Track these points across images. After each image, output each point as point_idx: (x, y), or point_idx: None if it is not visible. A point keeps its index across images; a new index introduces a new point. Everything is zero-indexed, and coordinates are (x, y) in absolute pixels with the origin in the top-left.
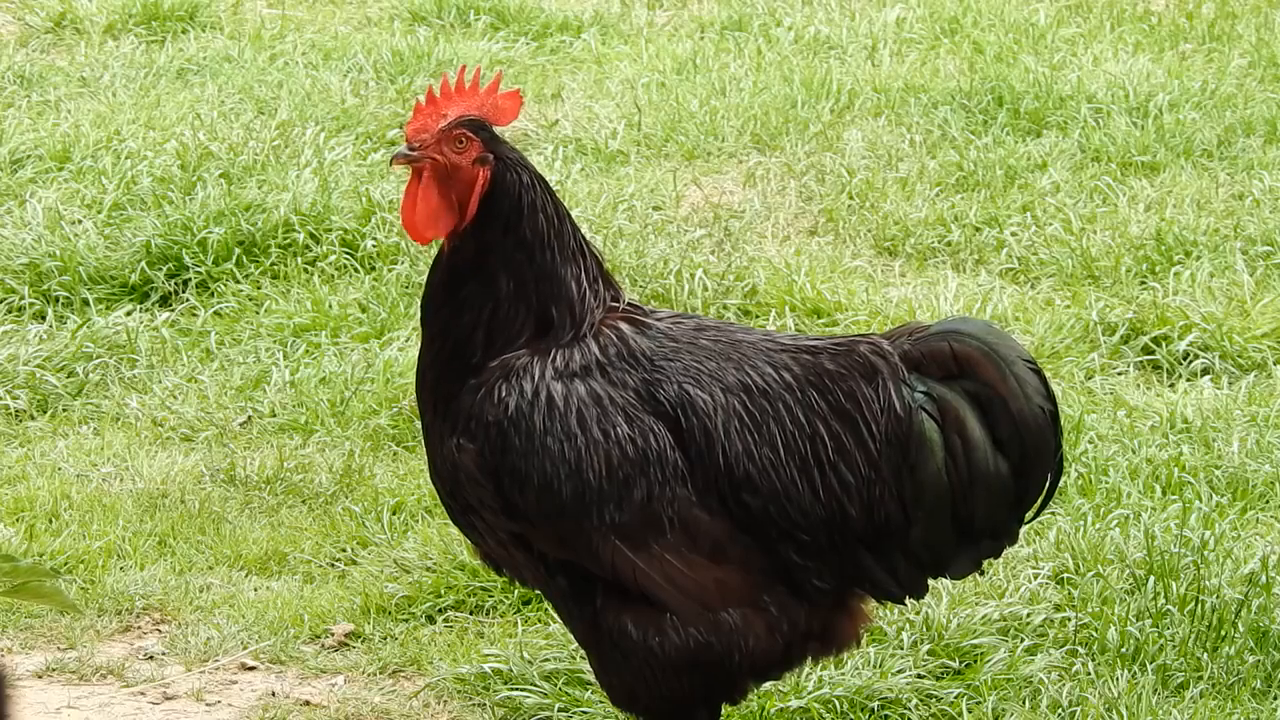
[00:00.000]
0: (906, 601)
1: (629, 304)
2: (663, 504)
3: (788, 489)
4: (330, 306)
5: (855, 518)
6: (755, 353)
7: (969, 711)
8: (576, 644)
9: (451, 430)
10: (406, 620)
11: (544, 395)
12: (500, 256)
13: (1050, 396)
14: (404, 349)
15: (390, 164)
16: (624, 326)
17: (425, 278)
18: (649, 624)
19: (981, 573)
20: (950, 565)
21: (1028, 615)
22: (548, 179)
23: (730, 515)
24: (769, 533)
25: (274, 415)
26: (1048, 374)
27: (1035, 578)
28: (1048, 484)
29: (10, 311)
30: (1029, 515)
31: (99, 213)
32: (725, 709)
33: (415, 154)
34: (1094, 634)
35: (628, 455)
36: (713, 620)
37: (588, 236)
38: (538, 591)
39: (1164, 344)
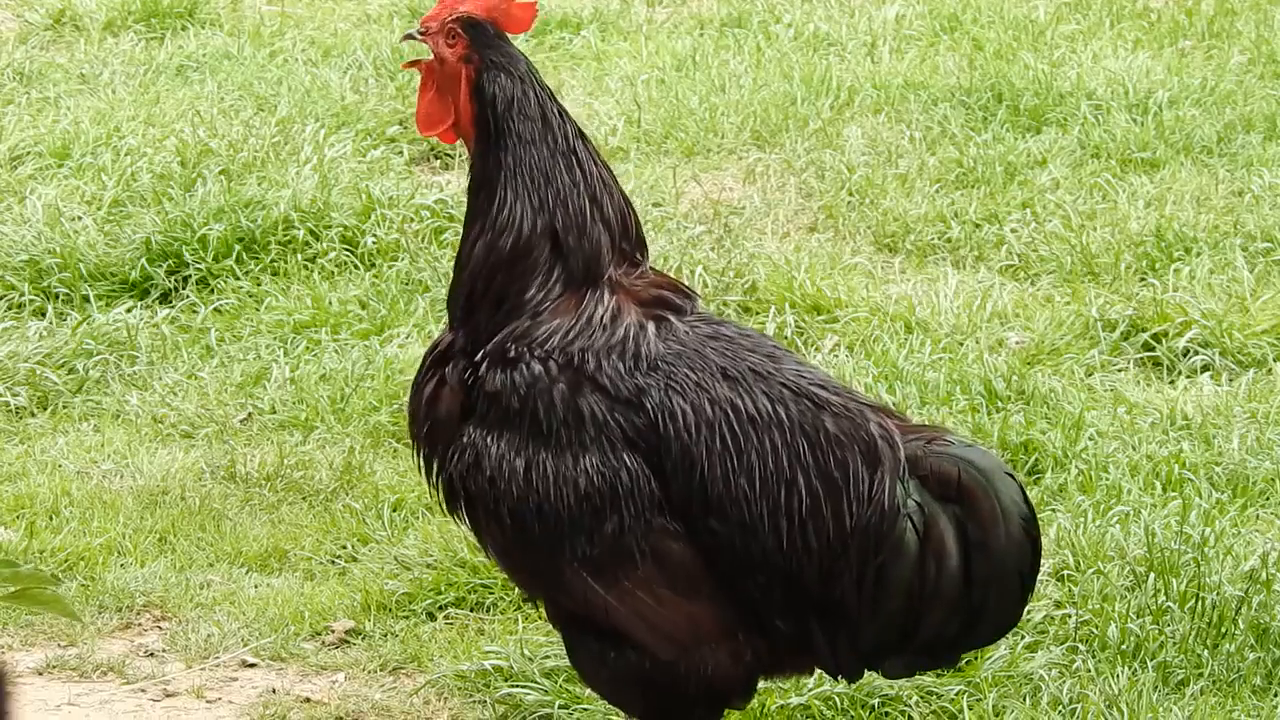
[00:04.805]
0: (839, 678)
1: (678, 285)
2: (635, 536)
3: (755, 526)
4: (330, 303)
5: (811, 583)
6: (755, 378)
7: (969, 708)
8: None
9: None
10: (407, 617)
11: (535, 396)
12: (493, 163)
13: (1029, 564)
14: (404, 346)
15: (399, 41)
16: (650, 329)
17: (425, 274)
18: (608, 641)
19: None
20: (885, 664)
21: (1028, 612)
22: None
23: (701, 543)
24: (736, 563)
25: (274, 412)
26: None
27: None
28: (997, 631)
29: (10, 308)
30: (969, 650)
31: (99, 209)
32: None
33: (418, 37)
34: (1094, 631)
35: (590, 488)
36: (674, 651)
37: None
38: None
39: (1164, 340)
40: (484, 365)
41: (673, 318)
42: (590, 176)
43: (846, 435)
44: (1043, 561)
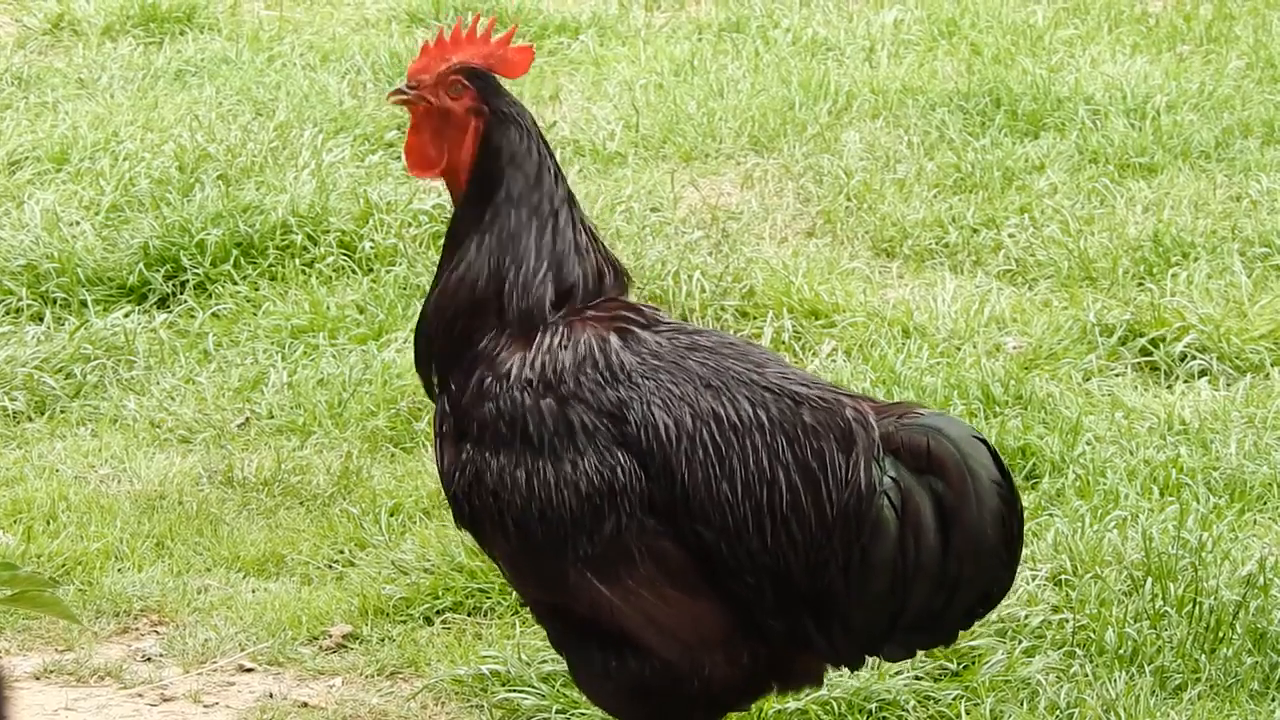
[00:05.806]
0: (842, 668)
1: (636, 306)
2: (631, 535)
3: (740, 529)
4: (328, 308)
5: (799, 576)
6: (738, 385)
7: (967, 713)
8: None
9: (442, 387)
10: (404, 622)
11: (517, 412)
12: (474, 216)
13: (1006, 525)
14: (401, 350)
15: (387, 99)
16: (613, 339)
17: (422, 279)
18: (611, 649)
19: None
20: (883, 647)
21: (1025, 617)
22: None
23: (690, 545)
24: (724, 566)
25: (272, 417)
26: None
27: (1033, 579)
28: (986, 600)
29: (8, 313)
30: (966, 625)
31: (97, 214)
32: None
33: (409, 94)
34: (1092, 635)
35: (590, 488)
36: (679, 650)
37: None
38: None
39: (1161, 345)
40: (466, 409)
41: (637, 330)
42: (572, 246)
43: (822, 425)
44: (1043, 556)
